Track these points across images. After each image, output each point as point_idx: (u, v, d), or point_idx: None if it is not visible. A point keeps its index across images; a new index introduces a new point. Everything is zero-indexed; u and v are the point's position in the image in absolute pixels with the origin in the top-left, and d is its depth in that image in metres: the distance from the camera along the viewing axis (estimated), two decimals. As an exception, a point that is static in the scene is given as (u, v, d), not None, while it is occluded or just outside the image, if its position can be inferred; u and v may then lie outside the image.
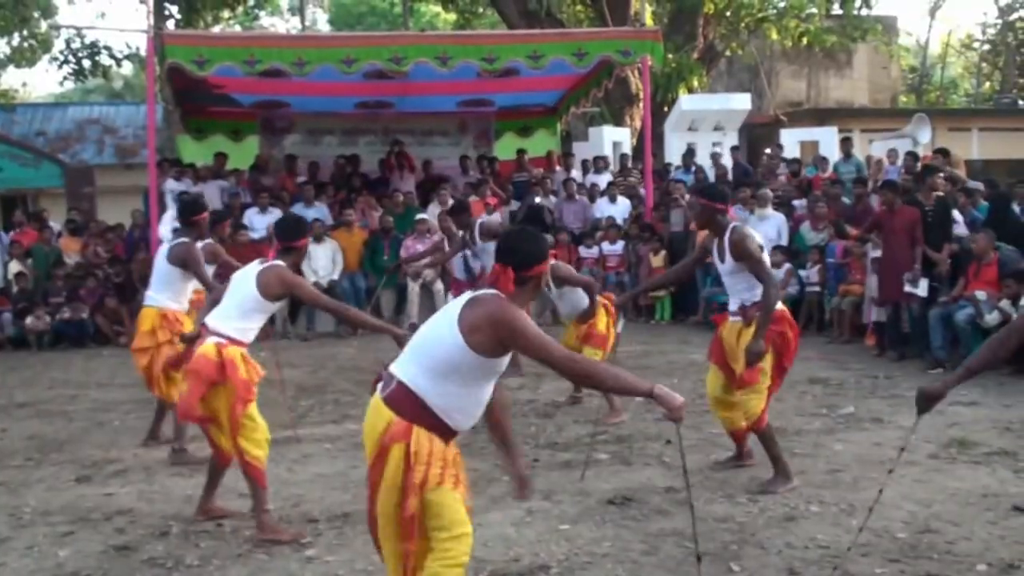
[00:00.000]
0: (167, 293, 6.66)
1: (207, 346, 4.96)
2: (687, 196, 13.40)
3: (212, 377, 4.89)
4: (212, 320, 5.10)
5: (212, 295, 5.63)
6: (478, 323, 3.15)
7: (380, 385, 3.34)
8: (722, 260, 5.55)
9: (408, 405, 3.22)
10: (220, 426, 5.01)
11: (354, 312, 5.43)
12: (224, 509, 5.28)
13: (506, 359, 3.30)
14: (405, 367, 3.27)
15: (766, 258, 5.56)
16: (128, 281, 13.05)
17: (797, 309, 11.88)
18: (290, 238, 5.15)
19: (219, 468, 5.20)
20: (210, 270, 6.65)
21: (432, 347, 3.24)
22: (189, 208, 6.79)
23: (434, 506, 3.20)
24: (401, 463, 3.16)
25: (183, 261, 6.50)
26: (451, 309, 3.27)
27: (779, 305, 5.53)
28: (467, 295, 3.30)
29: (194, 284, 6.68)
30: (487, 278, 3.27)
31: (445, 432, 3.26)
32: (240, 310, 5.01)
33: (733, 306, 5.62)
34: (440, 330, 3.23)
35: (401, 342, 4.86)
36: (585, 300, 7.30)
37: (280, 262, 5.06)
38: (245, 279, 5.04)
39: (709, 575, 4.19)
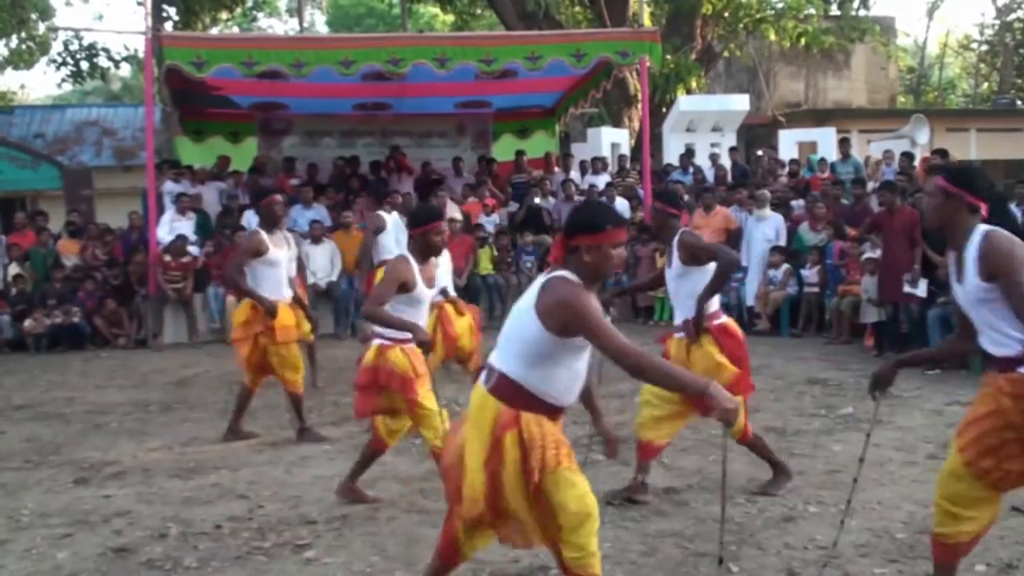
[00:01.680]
0: (253, 285, 6.82)
1: (369, 352, 5.20)
2: (685, 196, 13.44)
3: (370, 384, 5.13)
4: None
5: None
6: (550, 307, 3.23)
7: (483, 378, 3.44)
8: (669, 264, 5.44)
9: (512, 393, 3.32)
10: (394, 415, 5.27)
11: (386, 316, 5.11)
12: (363, 495, 5.40)
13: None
14: (502, 358, 3.38)
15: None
16: (126, 283, 13.04)
17: (796, 309, 11.90)
18: (412, 225, 5.21)
19: (372, 453, 5.43)
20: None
21: (518, 335, 3.33)
22: (257, 195, 7.35)
23: (554, 496, 3.26)
24: (517, 449, 3.26)
25: (242, 249, 6.95)
26: (530, 295, 3.35)
27: (725, 319, 5.42)
28: (541, 279, 3.36)
29: (275, 272, 6.85)
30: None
31: (551, 411, 3.36)
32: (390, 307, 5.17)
33: (678, 320, 5.41)
34: (522, 317, 3.32)
35: (423, 344, 5.02)
36: None
37: (404, 253, 5.17)
38: None
39: (708, 575, 4.20)
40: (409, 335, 5.03)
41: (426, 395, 5.14)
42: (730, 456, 6.09)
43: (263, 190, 7.51)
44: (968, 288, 3.54)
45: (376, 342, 5.19)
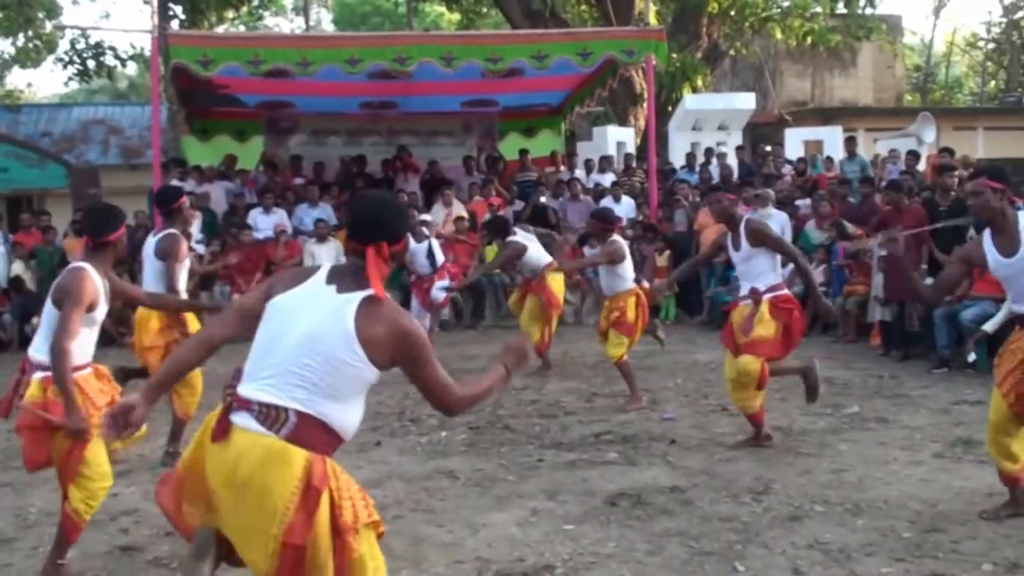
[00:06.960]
0: (162, 289, 6.16)
1: (32, 387, 4.25)
2: (690, 197, 13.45)
3: (40, 424, 4.18)
4: (33, 348, 4.40)
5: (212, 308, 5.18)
6: (380, 338, 2.85)
7: (249, 418, 2.83)
8: (737, 248, 6.26)
9: (318, 437, 2.84)
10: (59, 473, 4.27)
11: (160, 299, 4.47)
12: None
13: None
14: (292, 393, 2.83)
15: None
16: (132, 282, 13.05)
17: (802, 308, 11.85)
18: (101, 232, 4.34)
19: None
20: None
21: (327, 371, 2.83)
22: (167, 195, 6.59)
23: (357, 558, 2.84)
24: (328, 506, 2.81)
25: (165, 254, 6.11)
26: (333, 314, 2.85)
27: (786, 291, 6.27)
28: (354, 296, 2.88)
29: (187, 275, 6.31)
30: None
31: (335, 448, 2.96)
32: (47, 328, 4.29)
33: (744, 291, 6.27)
34: (331, 346, 2.82)
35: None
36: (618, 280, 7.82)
37: (83, 264, 4.28)
38: None
39: (714, 575, 4.19)
40: (85, 362, 4.29)
41: (96, 451, 4.21)
42: (735, 455, 6.12)
43: (168, 186, 7.03)
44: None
45: (38, 375, 4.24)
